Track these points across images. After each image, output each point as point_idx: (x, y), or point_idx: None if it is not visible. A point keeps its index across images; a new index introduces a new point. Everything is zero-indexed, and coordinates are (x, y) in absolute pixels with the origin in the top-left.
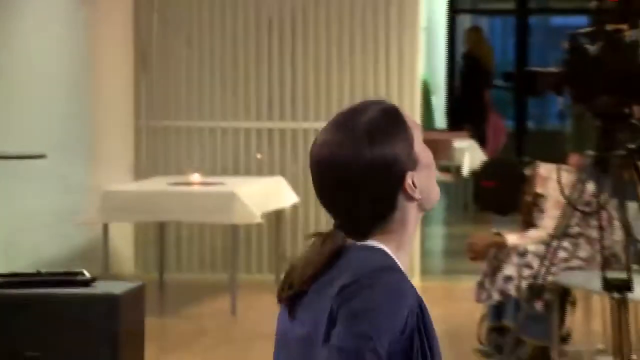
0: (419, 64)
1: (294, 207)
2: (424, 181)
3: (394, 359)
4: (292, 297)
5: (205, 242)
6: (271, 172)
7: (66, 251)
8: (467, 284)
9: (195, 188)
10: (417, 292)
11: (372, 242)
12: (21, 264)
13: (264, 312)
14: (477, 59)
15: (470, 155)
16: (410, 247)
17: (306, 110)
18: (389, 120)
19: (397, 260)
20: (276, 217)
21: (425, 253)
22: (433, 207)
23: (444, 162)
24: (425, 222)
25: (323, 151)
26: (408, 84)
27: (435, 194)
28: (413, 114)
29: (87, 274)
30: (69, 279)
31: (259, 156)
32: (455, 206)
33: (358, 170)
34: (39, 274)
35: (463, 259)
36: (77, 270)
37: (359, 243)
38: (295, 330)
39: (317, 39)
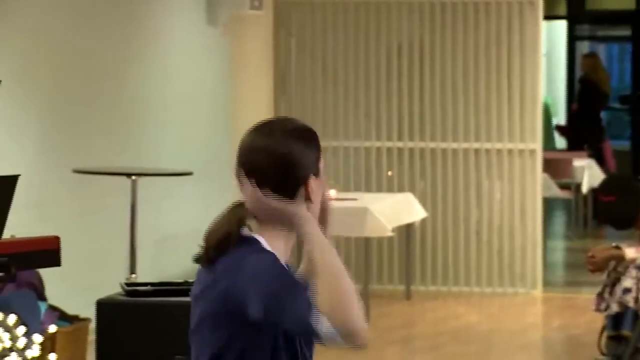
0: (540, 87)
1: (423, 222)
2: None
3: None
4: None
5: (340, 254)
6: (400, 189)
7: None
8: (588, 295)
9: (331, 203)
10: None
11: (255, 236)
12: (168, 274)
13: (394, 320)
14: (594, 82)
15: (589, 173)
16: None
17: (433, 131)
18: (306, 132)
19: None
20: (406, 231)
21: (547, 266)
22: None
23: (564, 180)
24: (547, 236)
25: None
26: (530, 107)
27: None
28: (535, 135)
29: None
30: None
31: (389, 173)
32: (575, 221)
33: (272, 159)
34: (185, 283)
35: (583, 271)
36: None
37: (245, 235)
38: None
39: (444, 64)
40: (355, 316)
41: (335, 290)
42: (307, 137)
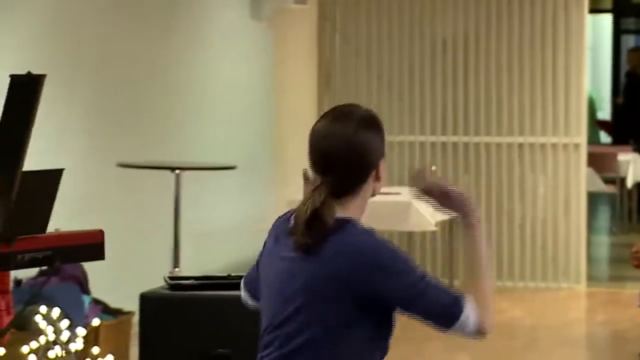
0: (585, 81)
1: None
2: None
3: None
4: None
5: None
6: None
7: (254, 256)
8: (632, 290)
9: (375, 198)
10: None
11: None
12: (211, 268)
13: None
14: (639, 77)
15: (634, 167)
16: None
17: (477, 126)
18: (375, 118)
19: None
20: (449, 225)
21: (591, 260)
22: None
23: (609, 175)
24: (591, 230)
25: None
26: (574, 101)
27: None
28: (580, 129)
29: None
30: None
31: (433, 168)
32: (619, 216)
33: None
34: (229, 277)
35: (628, 266)
36: None
37: (337, 218)
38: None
39: (488, 58)
40: (493, 310)
41: (488, 280)
42: (377, 123)
